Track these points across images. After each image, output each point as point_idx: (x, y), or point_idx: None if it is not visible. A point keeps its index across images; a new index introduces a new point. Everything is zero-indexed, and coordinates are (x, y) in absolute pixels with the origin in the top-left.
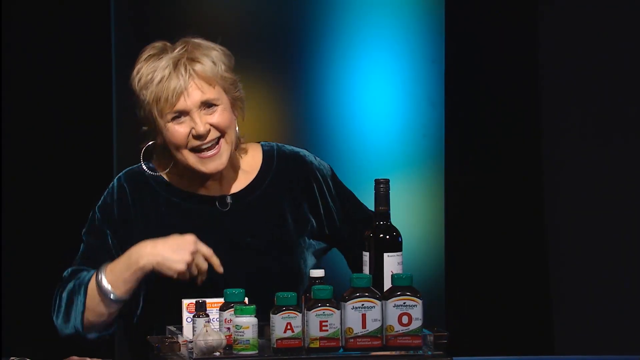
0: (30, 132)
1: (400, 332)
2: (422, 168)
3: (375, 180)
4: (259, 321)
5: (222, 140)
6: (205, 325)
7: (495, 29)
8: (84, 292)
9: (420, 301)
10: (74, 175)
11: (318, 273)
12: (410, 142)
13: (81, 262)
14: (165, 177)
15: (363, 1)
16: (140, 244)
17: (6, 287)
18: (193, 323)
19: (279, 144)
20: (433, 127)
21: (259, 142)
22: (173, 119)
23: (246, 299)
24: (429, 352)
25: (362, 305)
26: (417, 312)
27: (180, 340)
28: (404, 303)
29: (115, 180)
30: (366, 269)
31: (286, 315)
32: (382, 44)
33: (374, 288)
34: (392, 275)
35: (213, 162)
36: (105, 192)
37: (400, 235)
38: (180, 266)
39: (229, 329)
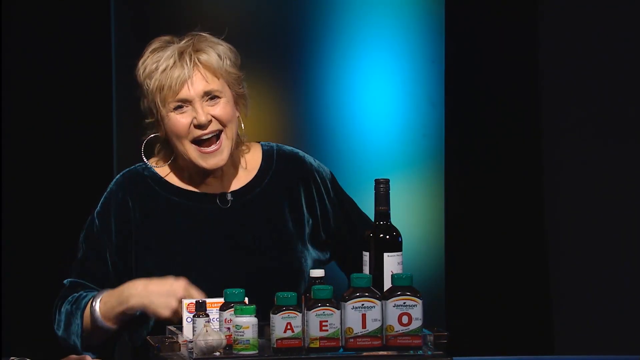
0: (30, 132)
1: (400, 332)
2: (422, 168)
3: (375, 180)
4: (259, 321)
5: (222, 135)
6: (205, 325)
7: (495, 29)
8: (81, 317)
9: (420, 301)
10: (74, 175)
11: (318, 273)
12: (410, 142)
13: (80, 271)
14: (164, 175)
15: (363, 1)
16: (134, 282)
17: (6, 287)
18: (193, 323)
19: (278, 144)
20: (433, 127)
21: (258, 142)
22: (175, 108)
23: (246, 299)
24: (429, 352)
25: (362, 305)
26: (417, 312)
27: (180, 340)
28: (404, 303)
29: (113, 183)
30: (366, 269)
31: (286, 315)
32: (382, 44)
33: (374, 288)
34: (392, 275)
35: (214, 158)
36: (103, 197)
37: (400, 235)
38: (166, 312)
39: (229, 329)
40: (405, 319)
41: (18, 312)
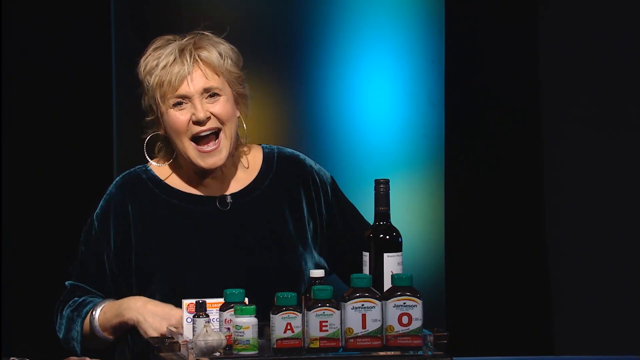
0: (30, 132)
1: (400, 332)
2: (422, 168)
3: (375, 180)
4: (259, 321)
5: (221, 134)
6: (205, 326)
7: (495, 29)
8: (81, 324)
9: (420, 301)
10: (74, 175)
11: (318, 273)
12: (410, 142)
13: (79, 274)
14: (164, 177)
15: (363, 1)
16: (136, 297)
17: (6, 287)
18: (193, 323)
19: (279, 147)
20: (433, 127)
21: (259, 145)
22: (175, 105)
23: (246, 299)
24: (429, 352)
25: (362, 305)
26: (417, 312)
27: (180, 340)
28: (404, 303)
29: (112, 185)
30: (366, 269)
31: (286, 315)
32: (382, 44)
33: (374, 288)
34: (392, 276)
35: (212, 158)
36: (103, 199)
37: (400, 236)
38: (153, 334)
39: (229, 329)
40: (405, 319)
41: (18, 312)
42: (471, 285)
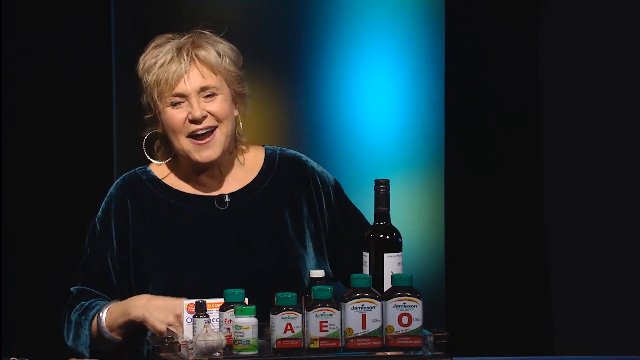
0: (30, 132)
1: (400, 332)
2: (422, 168)
3: (375, 180)
4: (258, 321)
5: (217, 130)
6: (205, 326)
7: (495, 29)
8: (89, 327)
9: (420, 301)
10: (74, 175)
11: (318, 273)
12: (410, 142)
13: (84, 277)
14: (163, 178)
15: (363, 1)
16: (140, 296)
17: (6, 287)
18: (193, 323)
19: (282, 148)
20: (433, 127)
21: (262, 145)
22: (172, 103)
23: (246, 300)
24: (429, 353)
25: (362, 305)
26: (417, 312)
27: (180, 340)
28: (404, 303)
29: (113, 187)
30: (366, 269)
31: (286, 315)
32: (382, 44)
33: (374, 288)
34: (392, 276)
35: (207, 150)
36: (104, 201)
37: (400, 236)
38: (161, 327)
39: (229, 329)
40: (405, 320)
41: (18, 312)
42: (471, 285)
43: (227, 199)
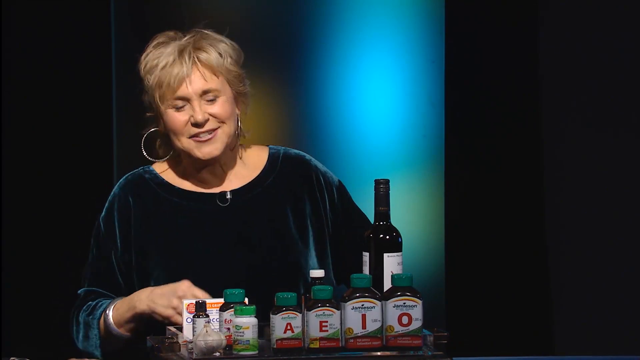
0: (30, 132)
1: (400, 332)
2: (422, 168)
3: (375, 180)
4: (258, 321)
5: (219, 129)
6: (205, 326)
7: (495, 29)
8: (97, 327)
9: (420, 301)
10: (74, 175)
11: (318, 273)
12: (410, 142)
13: (90, 278)
14: (164, 176)
15: (363, 1)
16: (143, 289)
17: (6, 287)
18: (193, 323)
19: (286, 148)
20: (433, 127)
21: (267, 145)
22: (174, 106)
23: (246, 300)
24: (429, 353)
25: (362, 305)
26: (417, 312)
27: (180, 340)
28: (404, 303)
29: (116, 187)
30: (366, 269)
31: (286, 315)
32: (382, 44)
33: (374, 288)
34: (392, 276)
35: (208, 146)
36: (107, 201)
37: (400, 236)
38: (167, 312)
39: (229, 329)
40: (405, 320)
41: (18, 312)
42: (471, 285)
43: (228, 196)
